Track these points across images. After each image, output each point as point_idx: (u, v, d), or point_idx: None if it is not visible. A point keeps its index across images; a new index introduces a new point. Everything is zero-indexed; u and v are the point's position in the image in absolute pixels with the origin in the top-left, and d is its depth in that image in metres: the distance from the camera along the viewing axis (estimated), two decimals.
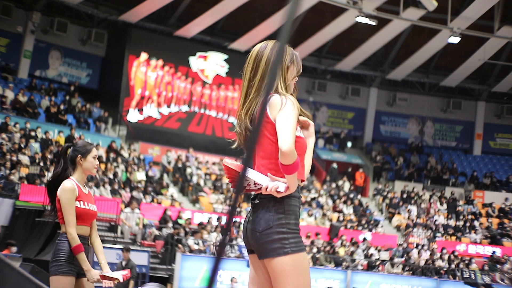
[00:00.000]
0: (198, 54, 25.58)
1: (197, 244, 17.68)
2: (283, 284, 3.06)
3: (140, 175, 20.92)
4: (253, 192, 3.20)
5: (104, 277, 4.94)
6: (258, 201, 3.14)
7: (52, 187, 5.03)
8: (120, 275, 5.02)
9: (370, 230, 23.02)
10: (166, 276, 16.54)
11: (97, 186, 18.30)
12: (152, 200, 20.03)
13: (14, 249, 12.78)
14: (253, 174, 3.08)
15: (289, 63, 3.29)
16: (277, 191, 3.04)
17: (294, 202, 3.13)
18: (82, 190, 4.99)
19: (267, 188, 3.05)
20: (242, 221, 20.65)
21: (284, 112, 3.06)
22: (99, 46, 24.34)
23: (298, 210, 3.16)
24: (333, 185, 25.52)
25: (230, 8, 23.51)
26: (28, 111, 20.64)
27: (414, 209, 25.09)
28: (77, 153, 5.01)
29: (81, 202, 4.94)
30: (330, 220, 22.91)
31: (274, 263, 3.06)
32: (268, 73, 3.27)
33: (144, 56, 24.41)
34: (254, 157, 3.20)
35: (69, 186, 4.90)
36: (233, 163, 3.10)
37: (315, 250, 20.14)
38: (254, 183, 3.09)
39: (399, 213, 25.01)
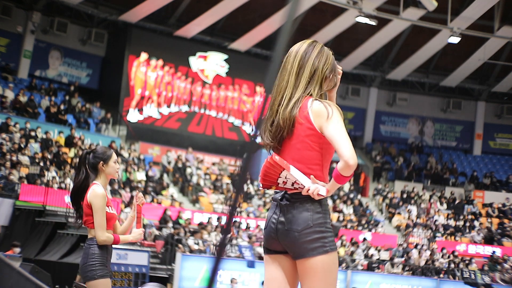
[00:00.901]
0: (198, 54, 25.58)
1: (197, 244, 17.69)
2: (321, 283, 3.07)
3: (140, 175, 20.93)
4: (269, 191, 3.21)
5: (140, 224, 5.19)
6: (288, 202, 3.14)
7: (77, 195, 5.09)
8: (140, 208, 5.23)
9: (370, 230, 23.03)
10: (166, 276, 16.54)
11: None
12: (152, 200, 20.04)
13: (18, 249, 12.73)
14: (297, 174, 3.09)
15: (328, 74, 3.25)
16: (318, 194, 3.07)
17: (327, 202, 3.20)
18: (107, 195, 5.09)
19: (308, 189, 3.07)
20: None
21: (335, 122, 3.06)
22: (99, 46, 24.34)
23: None
24: None
25: (230, 8, 23.51)
26: (28, 111, 20.64)
27: (414, 209, 25.10)
28: (99, 160, 5.08)
29: (109, 208, 5.06)
30: (330, 220, 22.89)
31: (313, 262, 3.07)
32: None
33: (144, 56, 24.41)
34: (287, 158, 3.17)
35: (101, 192, 4.98)
36: (282, 160, 3.09)
37: None
38: (294, 183, 3.10)
39: (399, 213, 25.01)
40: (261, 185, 3.21)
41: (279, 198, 3.18)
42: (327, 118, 3.07)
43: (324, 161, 3.16)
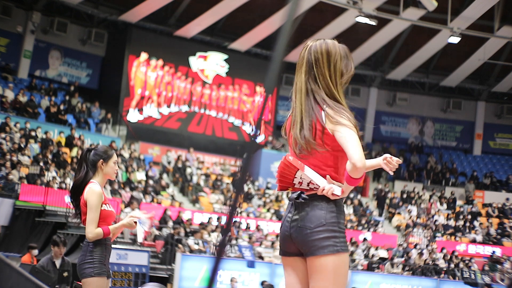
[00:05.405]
0: (198, 54, 25.57)
1: (197, 244, 17.69)
2: (329, 283, 3.06)
3: (140, 175, 20.93)
4: (285, 191, 3.20)
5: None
6: (303, 200, 3.14)
7: (76, 192, 5.10)
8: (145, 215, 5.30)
9: (369, 230, 23.02)
10: (166, 276, 16.54)
11: None
12: (152, 200, 20.03)
13: (36, 252, 12.53)
14: (311, 174, 3.10)
15: (344, 69, 3.28)
16: (332, 194, 3.08)
17: (342, 203, 3.21)
18: (104, 193, 5.10)
19: (323, 189, 3.07)
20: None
21: (347, 125, 3.07)
22: (99, 46, 24.34)
23: None
24: None
25: (230, 8, 23.51)
26: (28, 111, 20.64)
27: (414, 209, 25.10)
28: (99, 158, 5.09)
29: (107, 205, 5.08)
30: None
31: (322, 261, 3.06)
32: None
33: (144, 56, 24.41)
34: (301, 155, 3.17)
35: (98, 190, 5.00)
36: (296, 160, 3.10)
37: None
38: (309, 183, 3.11)
39: (399, 213, 25.01)
40: (277, 186, 3.22)
41: (295, 197, 3.18)
42: (338, 122, 3.08)
43: (339, 164, 3.17)
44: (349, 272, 18.14)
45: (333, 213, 3.13)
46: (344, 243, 3.13)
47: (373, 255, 20.95)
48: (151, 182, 20.97)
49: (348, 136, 3.04)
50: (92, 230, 4.93)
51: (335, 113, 3.11)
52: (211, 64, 25.82)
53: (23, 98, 20.82)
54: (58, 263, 8.97)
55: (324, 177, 3.11)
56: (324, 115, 3.12)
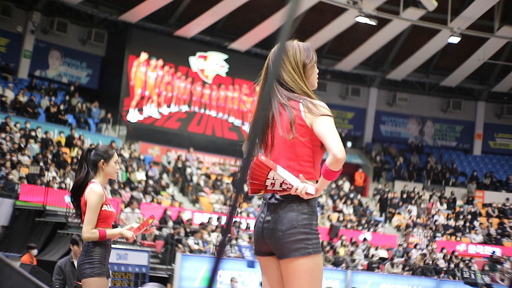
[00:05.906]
0: (198, 54, 25.57)
1: (197, 244, 17.69)
2: (302, 284, 3.05)
3: (140, 175, 20.93)
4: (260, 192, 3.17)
5: (138, 230, 5.22)
6: (276, 201, 3.12)
7: (77, 192, 5.09)
8: (147, 222, 5.24)
9: (369, 230, 23.02)
10: (166, 276, 16.54)
11: None
12: (152, 200, 20.04)
13: (35, 252, 12.50)
14: (284, 174, 3.05)
15: (306, 60, 3.26)
16: (306, 193, 3.04)
17: (315, 203, 3.16)
18: (105, 194, 5.10)
19: (297, 189, 3.04)
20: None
21: (324, 118, 3.06)
22: (99, 46, 24.34)
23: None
24: (333, 185, 25.53)
25: (230, 8, 23.51)
26: (28, 111, 20.64)
27: (414, 209, 25.10)
28: (100, 158, 5.09)
29: (108, 206, 5.06)
30: (330, 220, 22.92)
31: (295, 264, 3.05)
32: (268, 79, 3.23)
33: (144, 56, 24.41)
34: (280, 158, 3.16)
35: (99, 190, 4.99)
36: (269, 160, 3.07)
37: None
38: (282, 183, 3.06)
39: (399, 213, 25.01)
40: (249, 190, 3.16)
41: (268, 197, 3.16)
42: (317, 115, 3.07)
43: (315, 158, 3.15)
44: (349, 272, 18.21)
45: (305, 214, 3.08)
46: (317, 244, 3.08)
47: (373, 255, 20.96)
48: (151, 182, 20.98)
49: (327, 128, 3.04)
50: (88, 230, 4.92)
51: (312, 106, 3.11)
52: (211, 64, 25.82)
53: (23, 98, 20.82)
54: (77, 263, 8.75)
55: (298, 176, 3.07)
56: (302, 109, 3.12)
